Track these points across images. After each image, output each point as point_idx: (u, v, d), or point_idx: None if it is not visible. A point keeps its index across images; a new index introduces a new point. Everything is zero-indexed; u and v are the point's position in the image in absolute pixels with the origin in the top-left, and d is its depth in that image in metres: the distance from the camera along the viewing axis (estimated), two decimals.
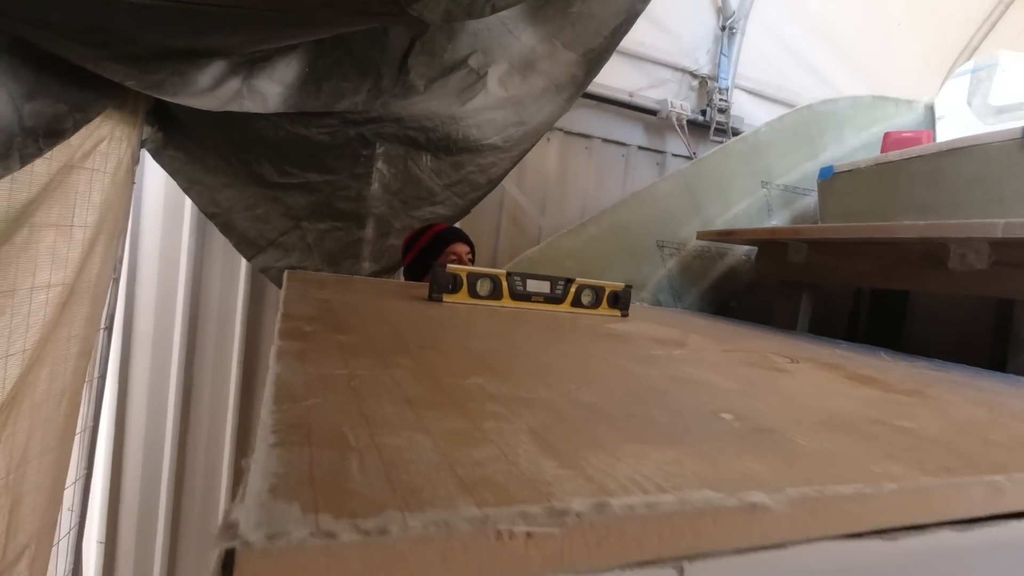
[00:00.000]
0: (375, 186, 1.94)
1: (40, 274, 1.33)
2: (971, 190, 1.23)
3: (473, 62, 1.88)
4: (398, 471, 0.25)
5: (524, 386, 0.45)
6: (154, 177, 1.89)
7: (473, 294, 0.99)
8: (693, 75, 2.52)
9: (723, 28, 2.45)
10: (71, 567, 1.85)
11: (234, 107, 1.51)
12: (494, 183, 2.04)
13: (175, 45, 1.15)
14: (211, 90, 1.39)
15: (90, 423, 1.75)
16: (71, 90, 1.18)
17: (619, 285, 1.08)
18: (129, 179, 1.64)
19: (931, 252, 1.01)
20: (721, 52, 2.46)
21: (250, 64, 1.46)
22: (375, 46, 1.68)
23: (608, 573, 0.23)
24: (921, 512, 0.31)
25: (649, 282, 1.63)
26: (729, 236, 1.39)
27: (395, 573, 0.19)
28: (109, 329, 1.73)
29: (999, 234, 0.86)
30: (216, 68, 1.36)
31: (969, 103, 2.13)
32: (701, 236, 1.56)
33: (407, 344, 0.57)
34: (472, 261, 1.69)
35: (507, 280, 1.01)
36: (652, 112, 2.39)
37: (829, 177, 1.66)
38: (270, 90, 1.56)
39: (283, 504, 0.21)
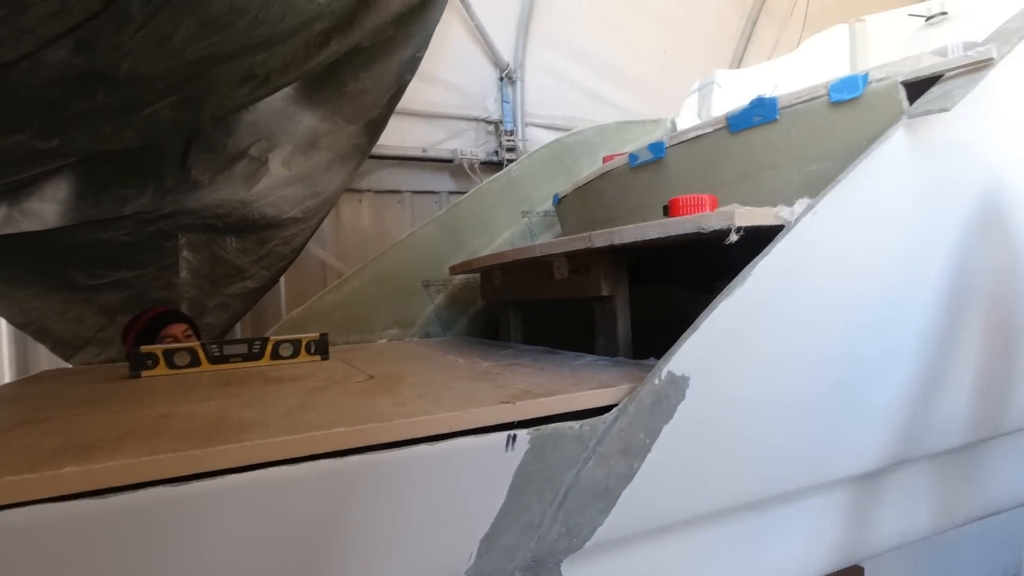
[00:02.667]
0: (183, 273, 2.11)
1: None
2: (618, 203, 1.53)
3: (255, 151, 2.10)
4: None
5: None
6: None
7: (172, 366, 1.19)
8: (487, 121, 2.84)
9: (501, 78, 2.78)
10: None
11: (10, 230, 1.68)
12: (297, 251, 2.26)
13: None
14: None
15: None
16: None
17: (315, 335, 1.30)
18: None
19: (549, 267, 1.27)
20: (504, 99, 2.78)
21: (12, 191, 1.63)
22: (149, 154, 1.88)
23: None
24: None
25: (418, 319, 1.87)
26: (454, 270, 1.64)
27: None
28: None
29: (537, 253, 1.13)
30: None
31: (699, 116, 2.51)
32: (451, 272, 1.81)
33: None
34: (193, 338, 1.77)
35: (203, 349, 1.21)
36: (448, 161, 2.68)
37: (557, 203, 1.96)
38: (45, 209, 1.73)
39: None
